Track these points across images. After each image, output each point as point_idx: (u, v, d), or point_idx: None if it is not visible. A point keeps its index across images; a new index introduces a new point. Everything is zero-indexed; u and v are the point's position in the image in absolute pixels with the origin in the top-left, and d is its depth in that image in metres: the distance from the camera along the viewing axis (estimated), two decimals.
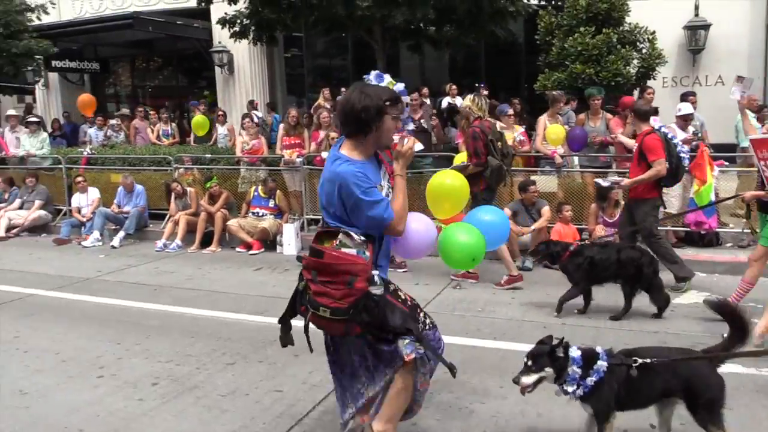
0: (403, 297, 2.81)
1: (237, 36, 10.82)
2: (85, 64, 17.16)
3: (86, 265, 8.06)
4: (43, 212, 10.53)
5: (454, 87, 12.13)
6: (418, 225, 3.03)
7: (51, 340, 5.24)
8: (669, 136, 6.14)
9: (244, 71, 15.81)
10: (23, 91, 18.86)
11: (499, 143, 6.55)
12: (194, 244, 8.92)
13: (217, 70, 15.90)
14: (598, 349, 3.02)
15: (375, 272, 2.59)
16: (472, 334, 5.22)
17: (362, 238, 2.61)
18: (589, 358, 2.96)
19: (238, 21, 10.51)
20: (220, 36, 15.69)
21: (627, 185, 6.37)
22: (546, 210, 7.59)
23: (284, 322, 2.86)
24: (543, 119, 8.47)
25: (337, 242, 2.59)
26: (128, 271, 7.77)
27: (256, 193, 8.85)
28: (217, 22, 10.80)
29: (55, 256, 8.84)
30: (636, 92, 11.42)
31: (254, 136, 9.76)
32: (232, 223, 8.78)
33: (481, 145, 6.35)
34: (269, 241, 8.75)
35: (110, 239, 9.43)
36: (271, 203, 8.84)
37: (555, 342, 3.00)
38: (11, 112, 12.33)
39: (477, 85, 14.11)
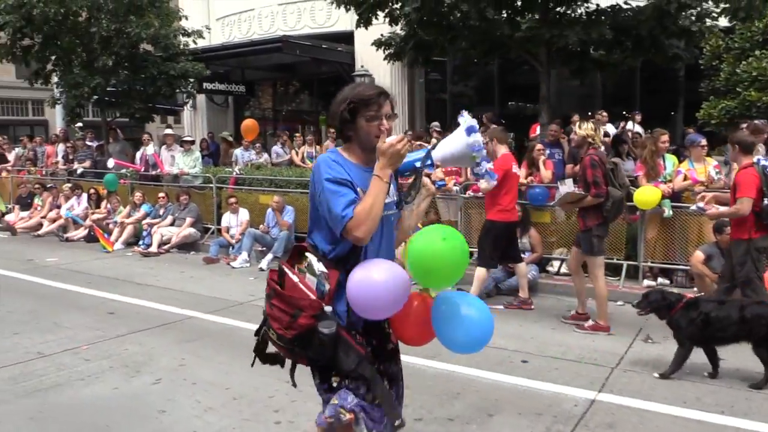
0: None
1: (392, 58, 10.54)
2: (232, 87, 17.69)
3: (238, 288, 7.88)
4: (192, 230, 10.64)
5: (604, 114, 11.25)
6: (380, 275, 2.30)
7: (217, 372, 4.92)
8: None
9: None
10: (173, 113, 19.82)
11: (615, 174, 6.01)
12: None
13: None
14: None
15: (328, 308, 2.36)
16: (691, 404, 4.37)
17: (324, 270, 2.38)
18: None
19: (393, 43, 10.20)
20: (363, 60, 15.68)
21: (711, 216, 5.85)
22: None
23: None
24: None
25: (305, 265, 2.42)
26: None
27: None
28: (373, 44, 10.57)
29: (205, 275, 8.78)
30: None
31: None
32: None
33: (600, 174, 5.79)
34: None
35: (257, 261, 9.31)
36: None
37: None
38: (168, 131, 12.74)
39: (625, 113, 13.13)
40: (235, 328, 6.12)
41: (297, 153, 12.81)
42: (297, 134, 13.41)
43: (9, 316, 6.53)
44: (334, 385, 2.47)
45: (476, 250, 7.16)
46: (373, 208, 2.28)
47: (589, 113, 12.52)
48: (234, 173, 11.26)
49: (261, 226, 9.68)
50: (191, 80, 14.84)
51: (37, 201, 13.35)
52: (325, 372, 2.48)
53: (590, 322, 6.11)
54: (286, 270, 2.40)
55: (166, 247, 10.41)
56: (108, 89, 14.27)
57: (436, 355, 5.24)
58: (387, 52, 10.49)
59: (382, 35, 10.46)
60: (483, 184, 6.46)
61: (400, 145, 2.30)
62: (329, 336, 2.30)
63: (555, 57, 9.73)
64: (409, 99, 15.94)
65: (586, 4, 9.27)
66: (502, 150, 6.77)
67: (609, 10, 9.19)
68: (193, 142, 11.97)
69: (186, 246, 10.57)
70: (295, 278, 2.36)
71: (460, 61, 14.04)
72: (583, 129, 6.08)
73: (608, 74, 13.34)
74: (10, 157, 16.12)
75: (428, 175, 2.63)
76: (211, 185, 11.03)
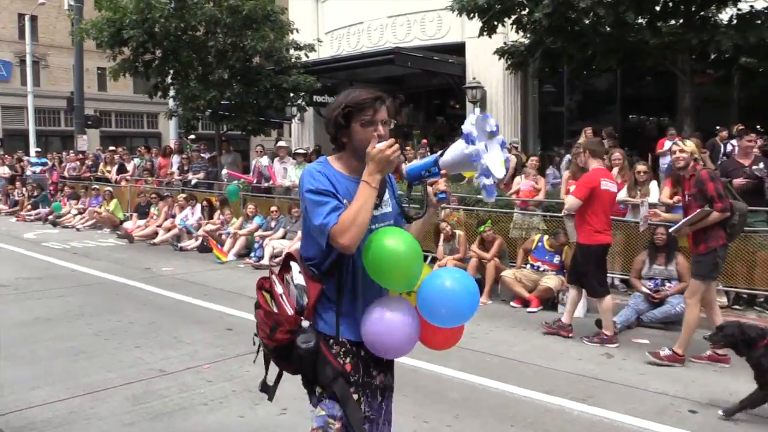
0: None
1: (515, 68, 9.99)
2: None
3: None
4: None
5: (741, 127, 10.16)
6: (393, 316, 2.29)
7: None
8: None
9: (497, 107, 15.03)
10: (279, 125, 20.03)
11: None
12: None
13: (469, 106, 15.31)
14: None
15: (305, 323, 2.31)
16: None
17: (302, 284, 2.33)
18: None
19: (517, 52, 9.63)
20: (474, 71, 15.20)
21: None
22: None
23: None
24: None
25: (290, 276, 2.39)
26: None
27: (540, 244, 7.76)
28: (495, 52, 10.05)
29: None
30: None
31: (531, 177, 8.74)
32: (508, 274, 7.77)
33: (721, 187, 5.21)
34: (549, 300, 7.62)
35: None
36: (556, 259, 7.67)
37: None
38: (282, 143, 12.73)
39: (759, 128, 11.86)
40: None
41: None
42: (408, 147, 13.03)
43: (130, 327, 6.47)
44: (317, 393, 2.39)
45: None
46: (360, 214, 2.18)
47: (717, 127, 11.48)
48: None
49: None
50: (301, 93, 14.85)
51: (153, 210, 13.70)
52: (311, 383, 2.41)
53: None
54: (274, 280, 2.42)
55: (277, 260, 10.27)
56: (222, 102, 14.51)
57: (587, 398, 4.66)
58: (510, 62, 9.92)
59: (505, 43, 9.93)
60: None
61: (389, 151, 2.20)
62: (307, 350, 2.29)
63: (697, 64, 8.85)
64: (522, 112, 15.28)
65: (737, 7, 8.37)
66: (594, 164, 6.23)
67: (766, 11, 8.25)
68: (305, 155, 11.87)
69: None
70: (280, 289, 2.39)
71: (569, 73, 13.15)
72: (688, 146, 5.45)
73: (751, 83, 12.19)
74: (129, 167, 16.76)
75: (432, 184, 2.41)
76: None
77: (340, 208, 2.22)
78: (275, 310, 2.36)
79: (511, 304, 7.71)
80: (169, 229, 12.68)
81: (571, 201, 6.13)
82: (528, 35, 9.36)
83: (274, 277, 2.44)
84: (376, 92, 2.33)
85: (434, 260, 8.89)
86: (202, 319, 6.89)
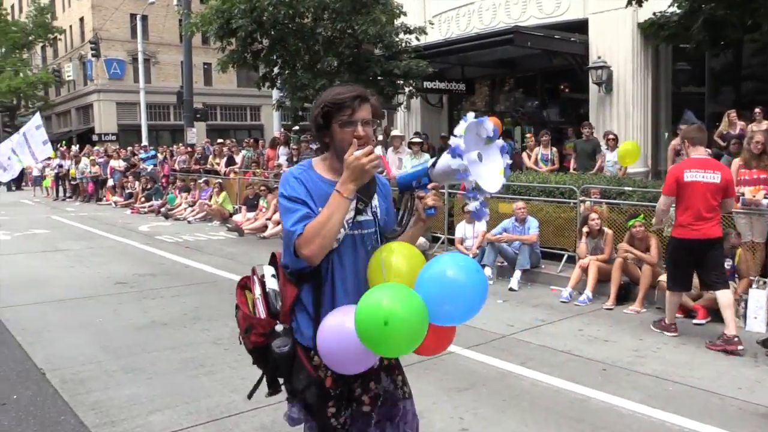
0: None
1: (666, 41, 8.76)
2: (451, 85, 16.78)
3: (489, 314, 6.63)
4: (422, 239, 9.75)
5: None
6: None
7: None
8: None
9: (624, 89, 13.65)
10: (384, 115, 19.39)
11: None
12: (609, 299, 7.07)
13: (593, 89, 14.02)
14: None
15: (279, 327, 2.23)
16: None
17: (275, 288, 2.27)
18: None
19: (670, 22, 8.40)
20: (598, 50, 13.90)
21: None
22: None
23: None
24: None
25: (270, 275, 2.32)
26: (545, 329, 6.18)
27: None
28: (641, 25, 8.87)
29: None
30: None
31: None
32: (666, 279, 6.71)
33: None
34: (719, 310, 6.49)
35: (496, 277, 8.18)
36: (727, 263, 6.52)
37: None
38: (395, 132, 12.07)
39: None
40: (509, 374, 4.93)
41: (530, 155, 11.46)
42: (529, 134, 12.04)
43: None
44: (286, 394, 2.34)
45: None
46: (327, 225, 2.09)
47: None
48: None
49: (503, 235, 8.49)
50: (410, 81, 14.11)
51: (262, 203, 13.44)
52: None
53: None
54: (255, 281, 2.34)
55: None
56: None
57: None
58: (660, 34, 8.69)
59: (654, 14, 8.71)
60: None
61: (365, 159, 2.08)
62: (281, 355, 2.22)
63: None
64: (653, 93, 13.82)
65: None
66: (694, 153, 5.63)
67: None
68: (421, 144, 11.12)
69: None
70: (258, 291, 2.31)
71: (695, 45, 11.39)
72: None
73: None
74: (237, 159, 16.69)
75: (422, 198, 2.24)
76: (442, 190, 10.08)
77: (310, 217, 2.13)
78: (252, 311, 2.29)
79: None
80: (278, 222, 12.35)
81: (660, 201, 5.87)
82: (680, 3, 8.12)
83: (254, 277, 2.35)
84: (357, 89, 2.20)
85: (571, 259, 7.95)
86: None
